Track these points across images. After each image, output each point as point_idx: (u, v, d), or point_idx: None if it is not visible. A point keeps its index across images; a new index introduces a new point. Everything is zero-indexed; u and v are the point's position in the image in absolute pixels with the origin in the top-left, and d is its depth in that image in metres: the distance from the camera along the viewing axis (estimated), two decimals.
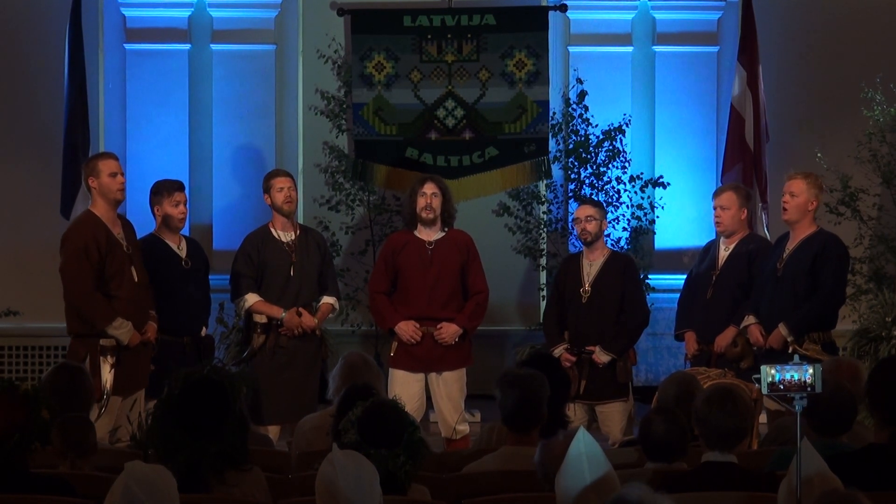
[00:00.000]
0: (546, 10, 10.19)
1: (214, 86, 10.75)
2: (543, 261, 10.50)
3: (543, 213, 10.49)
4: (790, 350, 7.50)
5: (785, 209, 7.76)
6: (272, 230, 8.26)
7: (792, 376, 4.14)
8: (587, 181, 10.27)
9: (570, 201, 10.35)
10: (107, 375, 7.30)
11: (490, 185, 9.88)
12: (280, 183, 8.23)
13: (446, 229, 8.26)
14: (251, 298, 8.12)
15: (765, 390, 4.16)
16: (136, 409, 7.24)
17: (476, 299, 8.19)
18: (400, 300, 8.19)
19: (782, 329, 7.55)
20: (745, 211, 8.14)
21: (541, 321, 9.00)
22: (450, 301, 8.15)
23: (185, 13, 10.71)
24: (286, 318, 8.06)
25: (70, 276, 7.42)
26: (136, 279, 7.55)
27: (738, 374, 7.43)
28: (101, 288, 7.41)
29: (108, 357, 7.37)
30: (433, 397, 8.19)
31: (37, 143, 10.66)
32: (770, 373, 4.15)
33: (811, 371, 4.14)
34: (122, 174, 7.69)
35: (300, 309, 8.10)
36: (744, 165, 10.28)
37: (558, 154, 10.36)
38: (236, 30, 10.75)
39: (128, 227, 7.73)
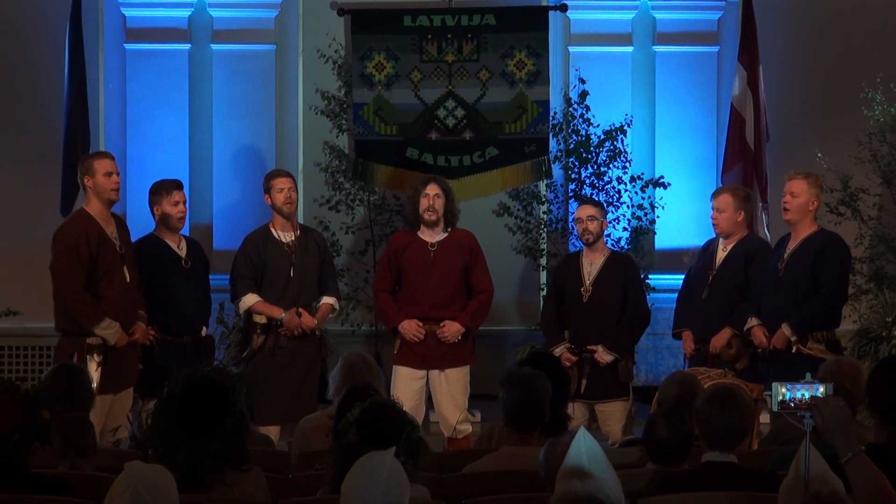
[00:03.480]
0: (546, 10, 10.19)
1: (214, 86, 10.75)
2: (543, 261, 10.50)
3: (544, 213, 10.48)
4: (794, 350, 7.51)
5: (786, 209, 7.76)
6: (272, 230, 8.26)
7: (803, 395, 4.12)
8: (588, 181, 10.27)
9: (570, 201, 10.35)
10: (93, 374, 7.28)
11: (490, 185, 9.89)
12: (280, 183, 8.22)
13: (449, 230, 8.27)
14: (251, 299, 8.11)
15: (775, 408, 4.15)
16: (135, 408, 7.25)
17: (479, 298, 8.20)
18: (404, 300, 8.21)
19: (785, 329, 7.54)
20: (742, 213, 8.14)
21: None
22: (453, 301, 8.16)
23: (185, 13, 10.71)
24: (286, 318, 8.06)
25: (59, 275, 7.42)
26: (128, 279, 7.54)
27: (736, 375, 7.44)
28: (91, 287, 7.41)
29: (95, 356, 7.37)
30: (435, 395, 8.19)
31: (37, 143, 10.66)
32: (781, 391, 4.14)
33: (822, 390, 4.13)
34: (118, 174, 7.68)
35: (300, 309, 8.10)
36: (744, 165, 10.29)
37: (559, 154, 10.36)
38: (236, 30, 10.75)
39: (122, 227, 7.72)
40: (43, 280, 7.78)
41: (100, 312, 7.37)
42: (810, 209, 7.73)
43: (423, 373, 8.15)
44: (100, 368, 7.36)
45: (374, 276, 8.98)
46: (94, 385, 7.20)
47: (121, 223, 7.75)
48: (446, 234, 8.25)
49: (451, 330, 8.10)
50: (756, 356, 7.93)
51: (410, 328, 8.10)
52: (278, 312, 8.08)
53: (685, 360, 8.26)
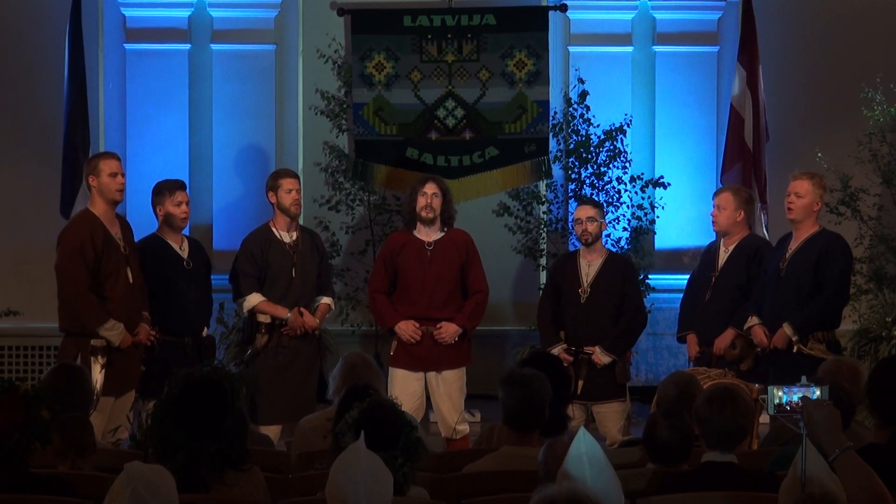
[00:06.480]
0: (546, 10, 10.19)
1: (214, 86, 10.75)
2: (543, 261, 10.49)
3: (543, 213, 10.48)
4: (795, 350, 7.52)
5: (790, 209, 7.76)
6: (274, 230, 8.26)
7: (799, 398, 4.13)
8: (588, 181, 10.27)
9: (570, 201, 10.35)
10: (97, 375, 7.30)
11: (490, 185, 9.89)
12: (288, 184, 8.24)
13: (446, 229, 8.27)
14: (255, 298, 8.11)
15: (771, 411, 4.15)
16: (135, 408, 7.25)
17: (475, 299, 8.19)
18: (400, 300, 8.20)
19: (787, 329, 7.55)
20: (743, 213, 8.15)
21: None
22: (449, 301, 8.16)
23: (185, 13, 10.71)
24: (291, 318, 8.06)
25: (64, 275, 7.43)
26: (130, 280, 7.54)
27: (738, 376, 7.44)
28: (95, 288, 7.41)
29: (99, 357, 7.38)
30: (433, 397, 8.19)
31: (37, 143, 10.66)
32: (777, 394, 4.14)
33: (818, 393, 4.13)
34: (123, 175, 7.71)
35: (302, 309, 8.11)
36: (743, 165, 10.29)
37: (559, 154, 10.36)
38: (236, 30, 10.75)
39: (126, 227, 7.73)
40: (43, 280, 7.79)
41: (104, 313, 7.37)
42: (814, 210, 7.74)
43: (420, 374, 8.15)
44: (103, 370, 7.36)
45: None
46: (98, 387, 7.24)
47: (125, 224, 7.76)
48: (443, 234, 8.25)
49: (449, 331, 8.10)
50: (760, 356, 7.93)
51: (407, 329, 8.09)
52: (283, 312, 8.08)
53: (689, 362, 8.26)
